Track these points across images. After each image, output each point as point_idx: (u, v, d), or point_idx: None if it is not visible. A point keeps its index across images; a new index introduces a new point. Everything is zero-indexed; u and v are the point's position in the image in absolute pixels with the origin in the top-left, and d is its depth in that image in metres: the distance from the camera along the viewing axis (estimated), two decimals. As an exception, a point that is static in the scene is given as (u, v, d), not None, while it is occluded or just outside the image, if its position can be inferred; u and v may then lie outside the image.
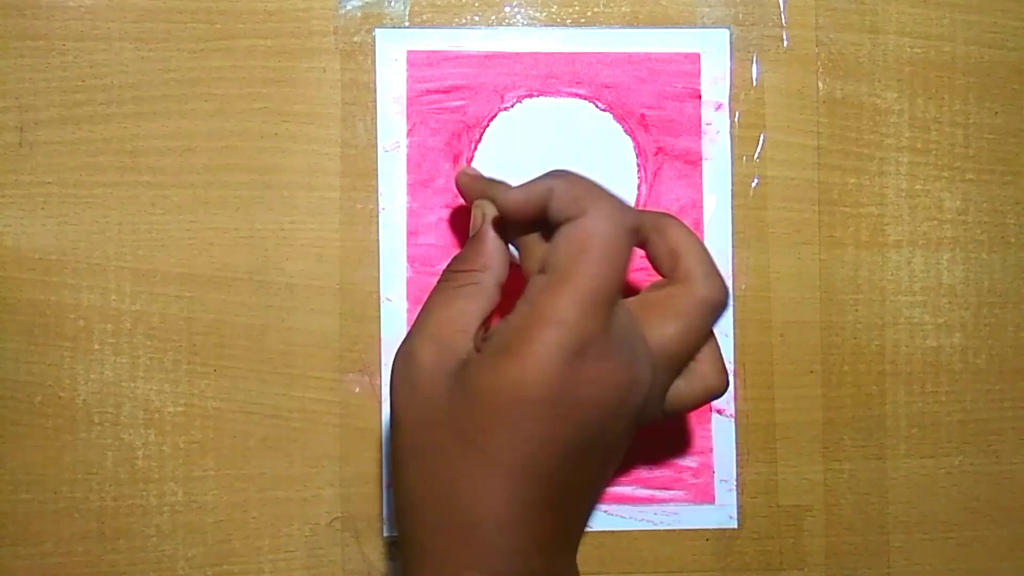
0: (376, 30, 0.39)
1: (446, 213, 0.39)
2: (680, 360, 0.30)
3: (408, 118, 0.39)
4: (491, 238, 0.31)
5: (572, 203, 0.27)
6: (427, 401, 0.28)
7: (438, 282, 0.31)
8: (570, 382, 0.26)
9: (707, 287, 0.29)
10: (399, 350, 0.29)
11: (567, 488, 0.27)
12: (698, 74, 0.39)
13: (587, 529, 0.32)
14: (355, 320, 0.38)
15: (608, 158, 0.39)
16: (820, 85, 0.40)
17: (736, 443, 0.39)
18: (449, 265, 0.31)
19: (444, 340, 0.29)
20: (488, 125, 0.39)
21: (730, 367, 0.39)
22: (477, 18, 0.39)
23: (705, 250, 0.30)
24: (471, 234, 0.32)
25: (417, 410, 0.28)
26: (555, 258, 0.27)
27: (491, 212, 0.31)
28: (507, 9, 0.39)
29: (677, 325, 0.29)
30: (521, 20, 0.39)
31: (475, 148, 0.39)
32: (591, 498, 0.29)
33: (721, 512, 0.39)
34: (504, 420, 0.26)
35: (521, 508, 0.27)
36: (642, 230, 0.31)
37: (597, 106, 0.39)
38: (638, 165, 0.39)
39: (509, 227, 0.31)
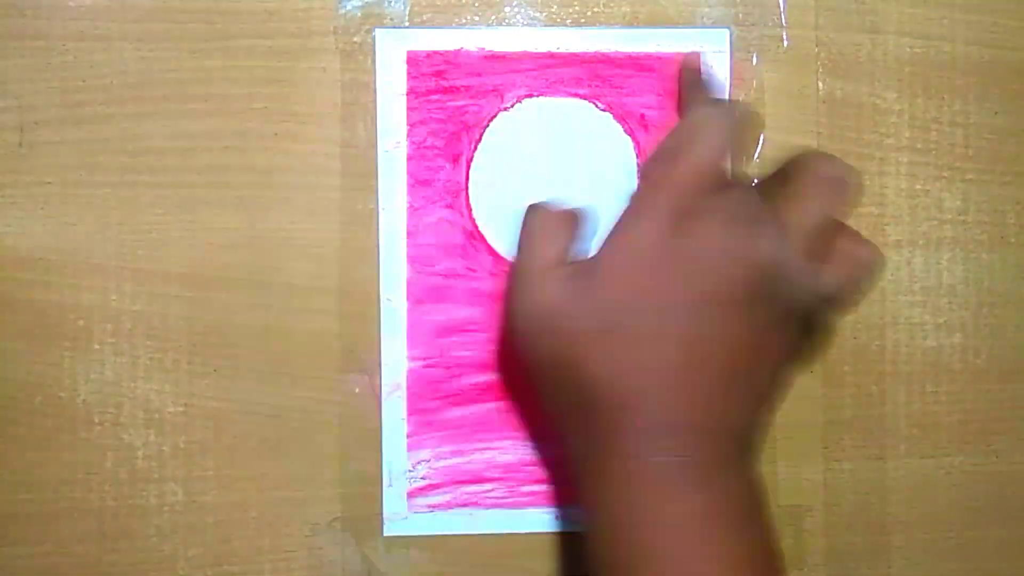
0: (376, 30, 0.39)
1: (446, 213, 0.39)
2: (808, 231, 0.30)
3: (408, 118, 0.39)
4: None
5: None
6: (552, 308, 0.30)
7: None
8: (679, 243, 0.29)
9: (822, 164, 0.32)
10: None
11: (705, 361, 0.28)
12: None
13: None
14: (355, 320, 0.38)
15: (608, 158, 0.39)
16: (820, 85, 0.40)
17: (736, 443, 0.39)
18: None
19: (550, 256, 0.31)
20: (488, 125, 0.39)
21: (730, 367, 0.39)
22: (477, 18, 0.39)
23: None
24: None
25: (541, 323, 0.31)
26: (666, 142, 0.31)
27: None
28: (507, 9, 0.39)
29: (802, 202, 0.31)
30: (521, 20, 0.39)
31: (475, 148, 0.39)
32: (748, 388, 0.30)
33: (721, 512, 0.39)
34: (622, 286, 0.29)
35: (659, 378, 0.28)
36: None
37: (597, 106, 0.39)
38: (638, 165, 0.39)
39: None
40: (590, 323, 0.29)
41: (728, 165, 0.31)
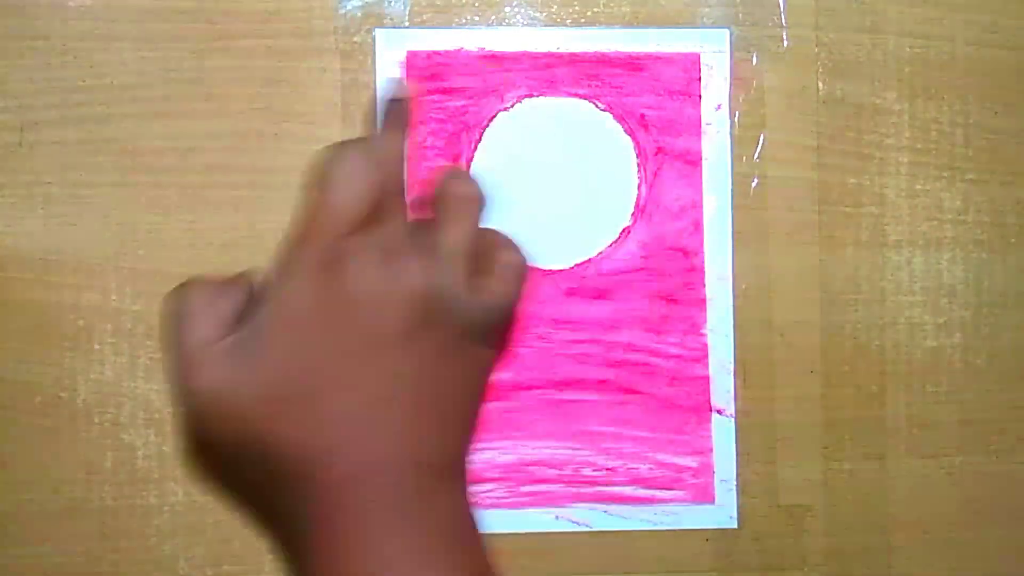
0: (376, 30, 0.39)
1: (446, 213, 0.39)
2: (459, 252, 0.30)
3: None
4: None
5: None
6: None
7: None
8: (331, 292, 0.29)
9: (453, 184, 0.32)
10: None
11: (386, 399, 0.29)
12: (698, 74, 0.39)
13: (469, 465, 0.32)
14: (355, 320, 0.38)
15: (608, 158, 0.39)
16: (820, 85, 0.40)
17: (736, 443, 0.39)
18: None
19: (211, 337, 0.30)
20: (488, 125, 0.39)
21: (730, 367, 0.39)
22: (477, 18, 0.39)
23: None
24: None
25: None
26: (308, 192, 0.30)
27: None
28: (507, 9, 0.39)
29: (447, 224, 0.31)
30: (521, 20, 0.39)
31: (475, 148, 0.39)
32: (440, 415, 0.30)
33: (721, 512, 0.39)
34: (284, 348, 0.29)
35: (346, 427, 0.28)
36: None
37: (597, 106, 0.39)
38: (638, 165, 0.39)
39: None
40: (260, 394, 0.28)
41: (368, 200, 0.29)
